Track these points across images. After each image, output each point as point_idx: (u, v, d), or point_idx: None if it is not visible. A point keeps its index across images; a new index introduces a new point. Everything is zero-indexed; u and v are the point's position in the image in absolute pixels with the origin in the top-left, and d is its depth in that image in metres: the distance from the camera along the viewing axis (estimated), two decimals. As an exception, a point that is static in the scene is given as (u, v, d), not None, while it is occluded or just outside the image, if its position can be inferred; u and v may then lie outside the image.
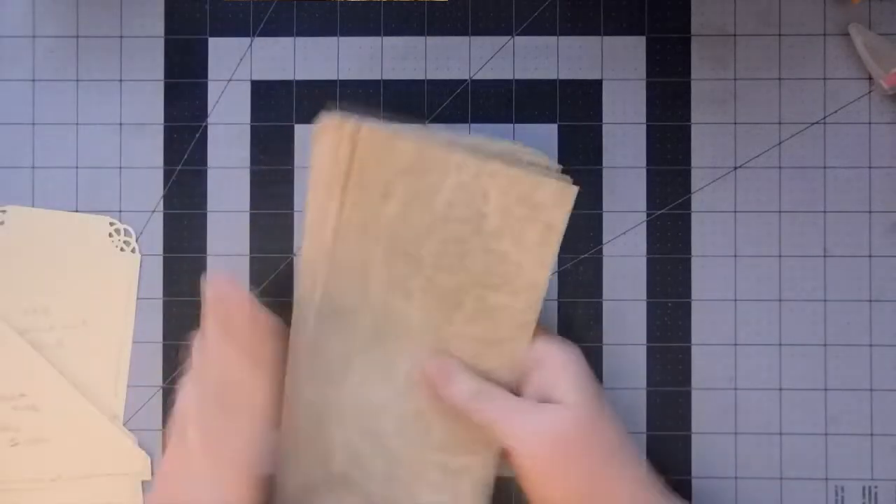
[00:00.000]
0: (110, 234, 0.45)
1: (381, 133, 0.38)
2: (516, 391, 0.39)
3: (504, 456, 0.39)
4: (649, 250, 0.45)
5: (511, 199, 0.38)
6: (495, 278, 0.39)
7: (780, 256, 0.44)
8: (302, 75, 0.45)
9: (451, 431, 0.39)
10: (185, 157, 0.45)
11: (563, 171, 0.40)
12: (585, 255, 0.45)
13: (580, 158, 0.45)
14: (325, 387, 0.39)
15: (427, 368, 0.39)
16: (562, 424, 0.36)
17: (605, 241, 0.45)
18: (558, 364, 0.38)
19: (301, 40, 0.45)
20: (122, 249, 0.45)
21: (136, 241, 0.45)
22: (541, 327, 0.39)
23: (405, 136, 0.38)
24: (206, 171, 0.45)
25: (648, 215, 0.45)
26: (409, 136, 0.38)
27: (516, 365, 0.39)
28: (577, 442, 0.36)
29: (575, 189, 0.38)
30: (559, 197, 0.38)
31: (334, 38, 0.45)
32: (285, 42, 0.45)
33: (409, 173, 0.38)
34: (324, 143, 0.38)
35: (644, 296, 0.45)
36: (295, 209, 0.45)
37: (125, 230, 0.45)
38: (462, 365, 0.39)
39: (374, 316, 0.39)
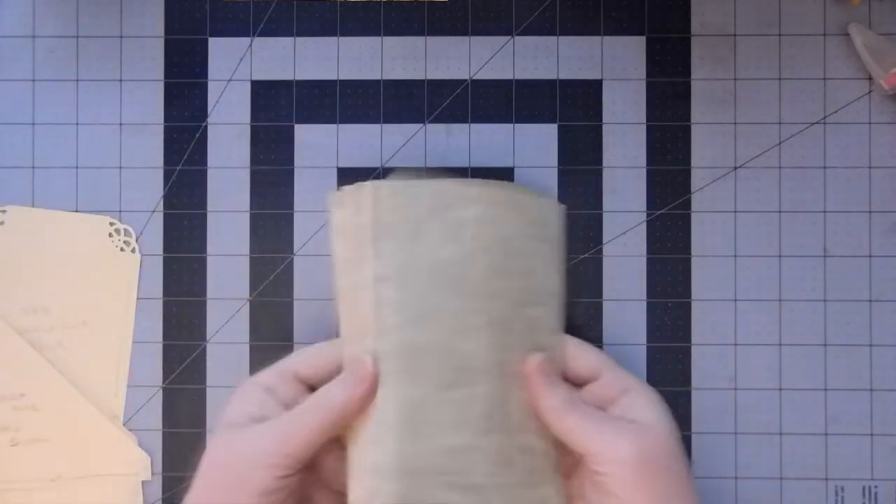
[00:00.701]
0: (110, 234, 0.45)
1: (398, 184, 0.39)
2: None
3: (568, 477, 0.39)
4: (649, 250, 0.45)
5: (523, 220, 0.40)
6: (531, 295, 0.40)
7: (780, 256, 0.44)
8: (302, 75, 0.45)
9: (526, 464, 0.39)
10: (185, 157, 0.45)
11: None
12: (585, 255, 0.45)
13: (580, 158, 0.45)
14: (413, 447, 0.37)
15: (530, 363, 0.39)
16: (652, 440, 0.37)
17: (605, 241, 0.45)
18: (644, 392, 0.39)
19: (301, 40, 0.45)
20: (122, 249, 0.45)
21: (137, 241, 0.45)
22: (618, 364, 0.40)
23: (422, 185, 0.39)
24: (206, 171, 0.45)
25: (648, 215, 0.45)
26: (425, 184, 0.39)
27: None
28: (664, 458, 0.36)
29: (562, 206, 0.42)
30: (554, 213, 0.42)
31: (334, 38, 0.45)
32: (285, 42, 0.45)
33: (434, 212, 0.38)
34: (345, 207, 0.39)
35: (644, 296, 0.45)
36: (295, 209, 0.45)
37: (125, 230, 0.45)
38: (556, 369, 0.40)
39: (441, 357, 0.38)
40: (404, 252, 0.38)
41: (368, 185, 0.38)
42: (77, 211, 0.45)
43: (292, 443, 0.36)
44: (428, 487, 0.37)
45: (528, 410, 0.39)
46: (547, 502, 0.39)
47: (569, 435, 0.37)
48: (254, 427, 0.37)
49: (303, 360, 0.40)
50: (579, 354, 0.40)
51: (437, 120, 0.45)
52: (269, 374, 0.39)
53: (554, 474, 0.39)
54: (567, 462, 0.40)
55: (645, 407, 0.38)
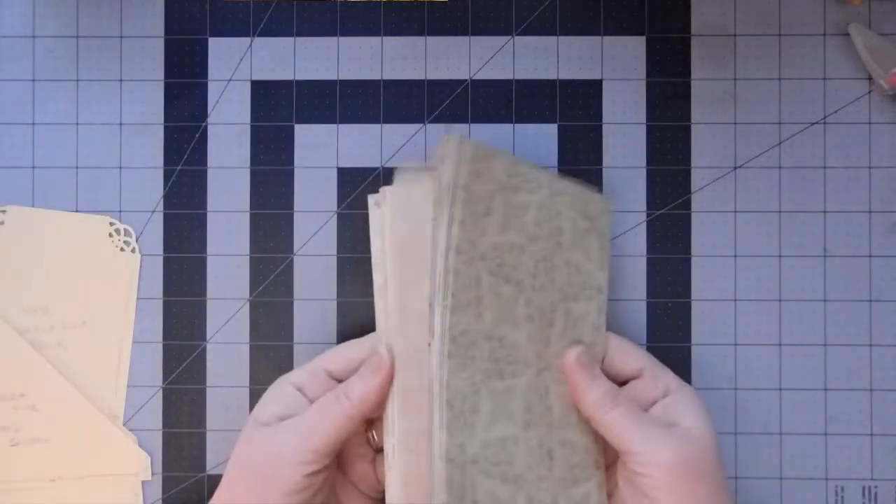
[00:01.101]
0: (110, 234, 0.45)
1: (481, 147, 0.38)
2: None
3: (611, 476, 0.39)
4: (649, 250, 0.45)
5: (576, 213, 0.40)
6: (575, 289, 0.40)
7: (780, 256, 0.44)
8: (302, 75, 0.45)
9: (567, 459, 0.39)
10: (185, 157, 0.45)
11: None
12: (585, 255, 0.45)
13: (580, 158, 0.45)
14: (460, 436, 0.37)
15: (570, 355, 0.39)
16: (693, 444, 0.36)
17: (605, 241, 0.45)
18: (688, 395, 0.38)
19: (301, 40, 0.45)
20: (122, 249, 0.45)
21: (137, 240, 0.45)
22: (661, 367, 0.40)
23: (497, 153, 0.39)
24: (206, 171, 0.45)
25: (648, 215, 0.45)
26: (499, 153, 0.39)
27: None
28: (704, 464, 0.36)
29: (611, 200, 0.42)
30: (604, 208, 0.41)
31: (334, 38, 0.45)
32: (285, 42, 0.45)
33: (505, 189, 0.39)
34: (380, 211, 0.39)
35: (644, 296, 0.45)
36: (295, 209, 0.45)
37: (125, 230, 0.45)
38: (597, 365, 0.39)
39: (491, 345, 0.38)
40: (474, 227, 0.38)
41: (454, 139, 0.38)
42: (77, 211, 0.45)
43: (315, 438, 0.37)
44: (470, 475, 0.37)
45: (569, 405, 0.39)
46: (588, 498, 0.39)
47: (610, 430, 0.37)
48: (279, 425, 0.37)
49: (335, 356, 0.40)
50: (623, 351, 0.40)
51: (437, 120, 0.45)
52: (301, 372, 0.39)
53: (596, 471, 0.39)
54: (605, 457, 0.40)
55: (688, 410, 0.38)
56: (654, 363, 0.40)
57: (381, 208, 0.39)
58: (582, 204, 0.40)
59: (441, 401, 0.37)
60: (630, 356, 0.40)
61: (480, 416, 0.37)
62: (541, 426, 0.38)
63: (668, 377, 0.39)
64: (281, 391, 0.39)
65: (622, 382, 0.40)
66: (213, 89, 0.45)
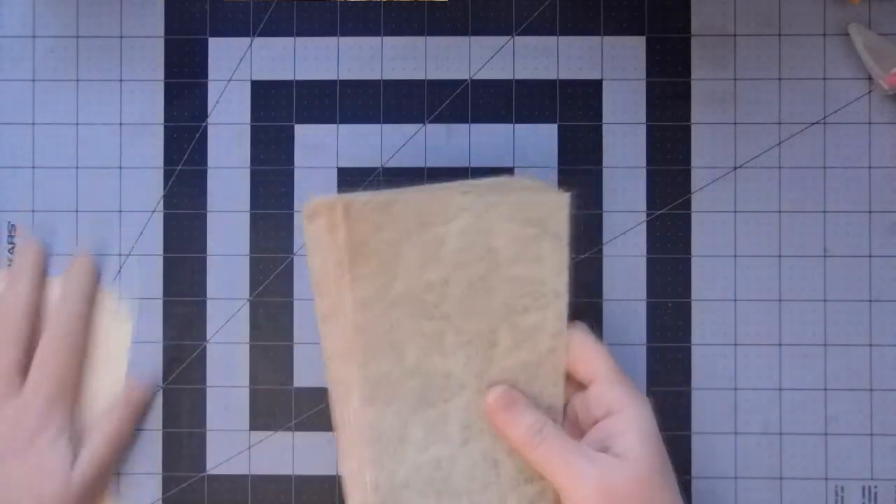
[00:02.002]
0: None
1: (373, 203, 0.37)
2: (575, 430, 0.39)
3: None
4: (649, 250, 0.45)
5: (517, 224, 0.38)
6: (523, 302, 0.39)
7: (780, 256, 0.44)
8: (302, 75, 0.45)
9: (516, 463, 0.38)
10: (185, 157, 0.45)
11: (560, 179, 0.40)
12: (585, 255, 0.45)
13: (580, 158, 0.45)
14: (390, 466, 0.37)
15: (488, 399, 0.38)
16: (620, 477, 0.35)
17: (605, 241, 0.45)
18: (628, 416, 0.37)
19: (301, 40, 0.45)
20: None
21: None
22: (619, 373, 0.38)
23: (398, 199, 0.37)
24: (206, 171, 0.45)
25: (648, 215, 0.45)
26: (402, 198, 0.37)
27: (560, 377, 0.39)
28: (632, 492, 0.35)
29: (567, 194, 0.39)
30: (557, 206, 0.39)
31: (334, 38, 0.45)
32: (285, 42, 0.45)
33: (411, 233, 0.37)
34: (318, 224, 0.37)
35: (644, 296, 0.45)
36: (295, 209, 0.45)
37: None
38: (525, 397, 0.38)
39: (417, 380, 0.38)
40: (381, 278, 0.37)
41: (340, 202, 0.36)
42: (77, 211, 0.45)
43: None
44: (404, 498, 0.37)
45: None
46: (543, 495, 0.39)
47: (539, 466, 0.37)
48: None
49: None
50: (578, 358, 0.39)
51: (437, 120, 0.45)
52: None
53: None
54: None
55: (627, 431, 0.36)
56: (607, 372, 0.38)
57: (327, 220, 0.37)
58: (526, 210, 0.39)
59: (367, 440, 0.37)
60: (584, 364, 0.39)
61: (411, 444, 0.37)
62: (484, 439, 0.38)
63: (615, 392, 0.38)
64: None
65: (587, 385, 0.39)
66: (213, 89, 0.45)
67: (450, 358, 0.38)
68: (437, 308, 0.38)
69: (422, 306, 0.38)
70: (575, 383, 0.40)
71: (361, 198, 0.37)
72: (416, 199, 0.38)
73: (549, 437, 0.37)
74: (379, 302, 0.37)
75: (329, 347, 0.39)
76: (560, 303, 0.39)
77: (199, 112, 0.45)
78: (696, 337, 0.44)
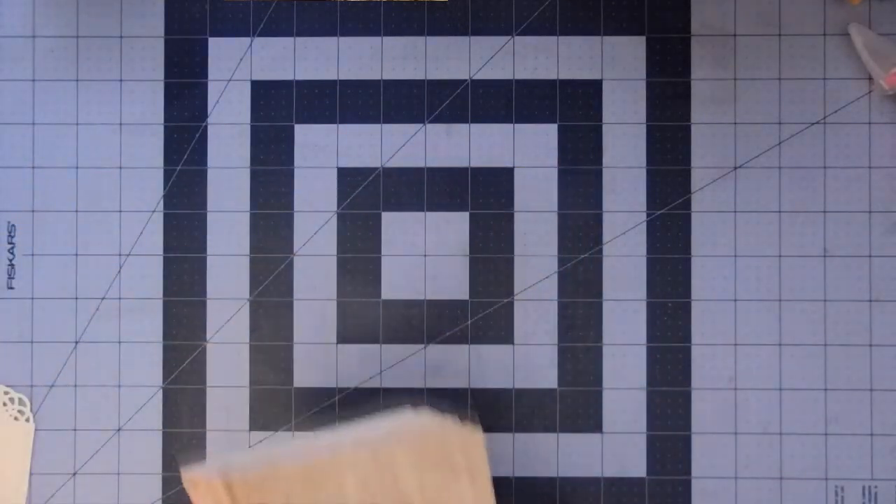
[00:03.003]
0: (4, 403, 0.44)
1: (255, 474, 0.35)
2: None
3: None
4: (649, 250, 0.45)
5: (425, 470, 0.37)
6: None
7: (780, 256, 0.44)
8: (302, 75, 0.45)
9: None
10: (185, 157, 0.45)
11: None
12: (585, 255, 0.45)
13: (580, 158, 0.45)
14: None
15: None
16: None
17: (605, 241, 0.45)
18: None
19: (301, 40, 0.45)
20: (15, 419, 0.44)
21: (32, 411, 0.44)
22: None
23: (284, 463, 0.36)
24: (206, 171, 0.45)
25: (648, 215, 0.45)
26: (289, 461, 0.36)
27: None
28: None
29: (480, 432, 0.37)
30: (470, 444, 0.37)
31: (334, 38, 0.45)
32: (285, 42, 0.45)
33: (302, 495, 0.35)
34: (200, 493, 0.35)
35: (644, 296, 0.45)
36: (295, 209, 0.45)
37: (20, 399, 0.44)
38: None
39: None
40: None
41: (219, 482, 0.34)
42: (77, 211, 0.45)
43: None
44: None
45: None
46: None
47: None
48: None
49: None
50: None
51: (437, 120, 0.45)
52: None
53: None
54: None
55: None
56: None
57: (199, 492, 0.35)
58: (435, 455, 0.36)
59: None
60: None
61: None
62: None
63: None
64: None
65: None
66: (213, 89, 0.45)
67: None
68: None
69: None
70: None
71: (238, 472, 0.35)
72: (304, 461, 0.36)
73: None
74: None
75: None
76: None
77: (199, 112, 0.45)
78: (696, 337, 0.44)
